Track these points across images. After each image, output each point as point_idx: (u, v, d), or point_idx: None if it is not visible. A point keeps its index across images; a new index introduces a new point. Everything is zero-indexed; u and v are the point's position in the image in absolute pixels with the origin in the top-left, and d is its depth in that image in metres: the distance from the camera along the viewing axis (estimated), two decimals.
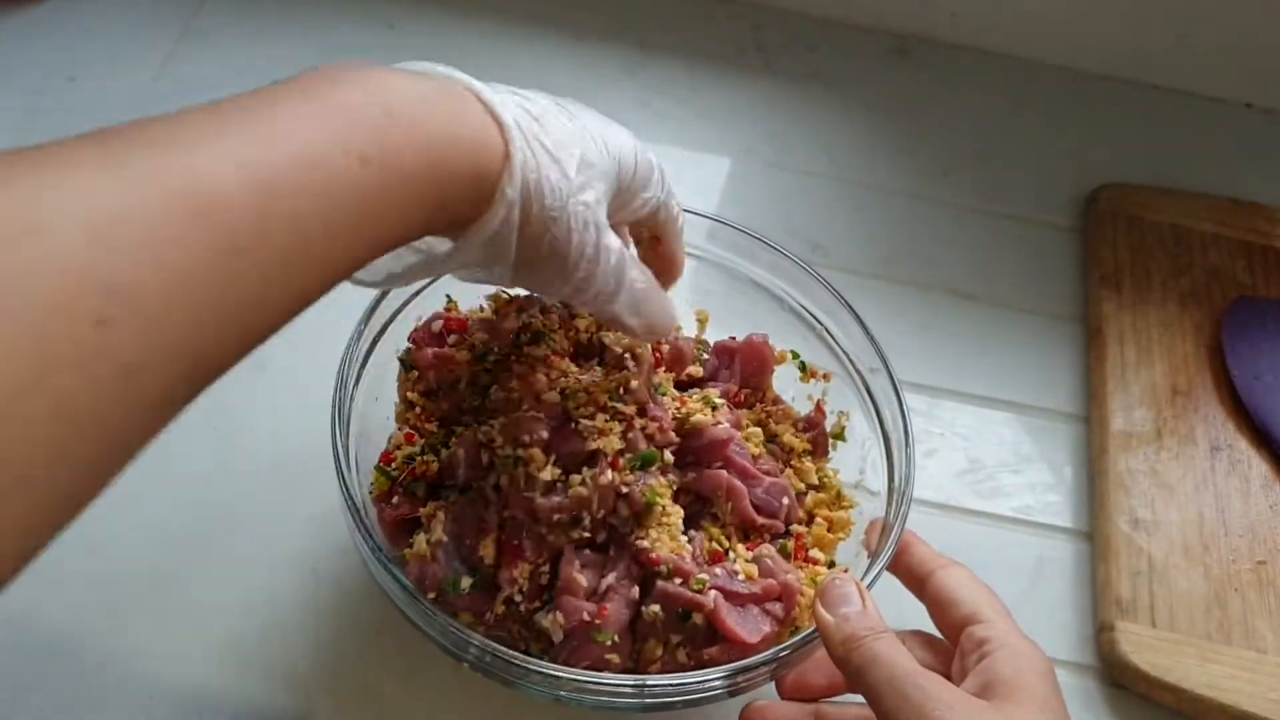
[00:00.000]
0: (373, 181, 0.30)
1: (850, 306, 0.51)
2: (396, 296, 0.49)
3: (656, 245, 0.46)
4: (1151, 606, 0.52)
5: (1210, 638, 0.52)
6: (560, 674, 0.40)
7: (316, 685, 0.48)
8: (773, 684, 0.44)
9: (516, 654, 0.40)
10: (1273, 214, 0.69)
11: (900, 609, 0.44)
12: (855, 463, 0.52)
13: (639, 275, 0.41)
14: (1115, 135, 0.75)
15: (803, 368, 0.53)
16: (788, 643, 0.41)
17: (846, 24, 0.78)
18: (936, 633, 0.43)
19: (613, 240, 0.38)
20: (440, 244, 0.37)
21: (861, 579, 0.43)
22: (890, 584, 0.45)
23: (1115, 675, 0.52)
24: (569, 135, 0.37)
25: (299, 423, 0.53)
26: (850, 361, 0.52)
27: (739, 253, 0.55)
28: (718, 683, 0.41)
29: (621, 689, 0.41)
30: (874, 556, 0.45)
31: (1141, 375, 0.61)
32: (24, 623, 0.48)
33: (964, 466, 0.59)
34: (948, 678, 0.39)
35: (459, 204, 0.34)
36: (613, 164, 0.38)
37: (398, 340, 0.50)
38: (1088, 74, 0.78)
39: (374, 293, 0.48)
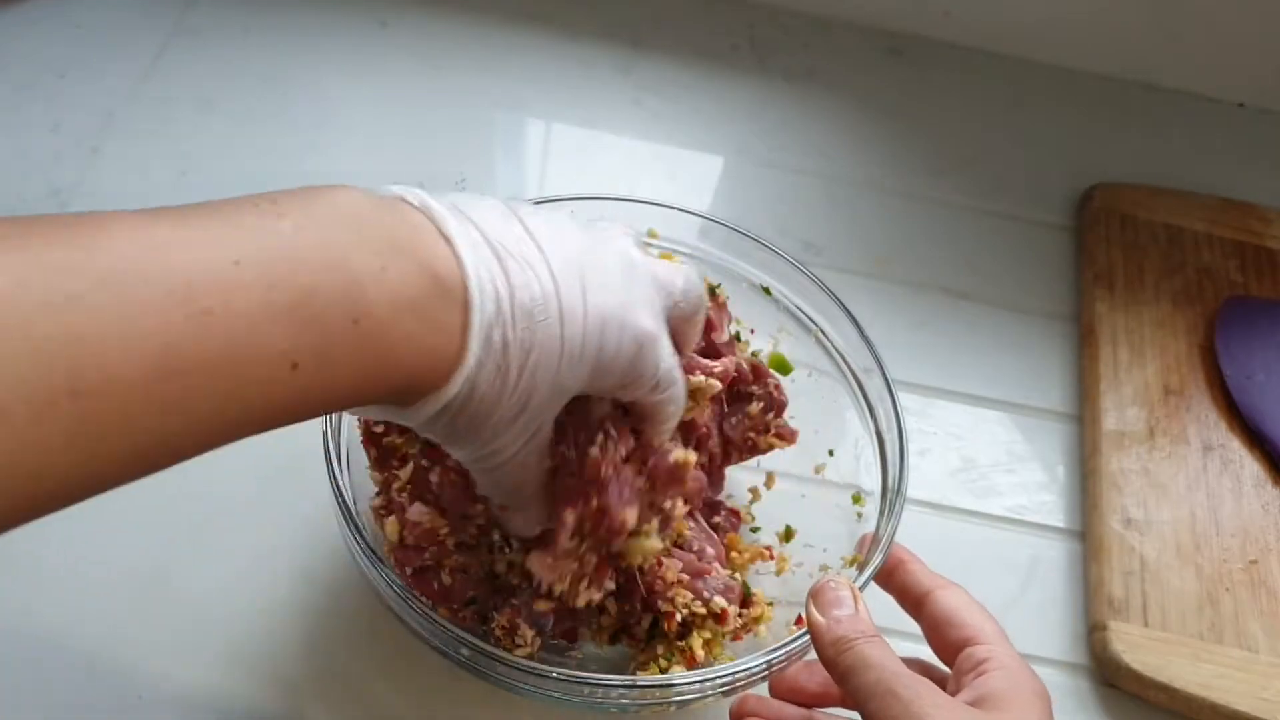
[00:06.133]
0: (298, 385, 0.29)
1: (845, 307, 0.51)
2: None
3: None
4: (1144, 606, 0.53)
5: (1202, 637, 0.52)
6: (551, 673, 0.40)
7: (307, 686, 0.48)
8: (765, 686, 0.44)
9: (508, 654, 0.40)
10: (1265, 214, 0.69)
11: (903, 616, 0.44)
12: (849, 462, 0.52)
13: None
14: (1109, 135, 0.75)
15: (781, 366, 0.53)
16: (780, 645, 0.41)
17: (841, 22, 0.78)
18: (934, 661, 0.43)
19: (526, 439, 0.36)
20: None
21: (856, 579, 0.43)
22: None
23: (1108, 675, 0.52)
24: (553, 348, 0.33)
25: None
26: (844, 361, 0.52)
27: (732, 252, 0.54)
28: (711, 683, 0.41)
29: (613, 688, 0.41)
30: (867, 557, 0.45)
31: (1134, 374, 0.61)
32: (13, 624, 0.48)
33: (957, 466, 0.59)
34: None
35: (388, 399, 0.32)
36: (585, 373, 0.35)
37: None
38: (1081, 73, 0.78)
39: None
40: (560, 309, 0.33)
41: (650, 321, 0.36)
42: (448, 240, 0.32)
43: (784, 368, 0.53)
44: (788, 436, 0.49)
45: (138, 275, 0.26)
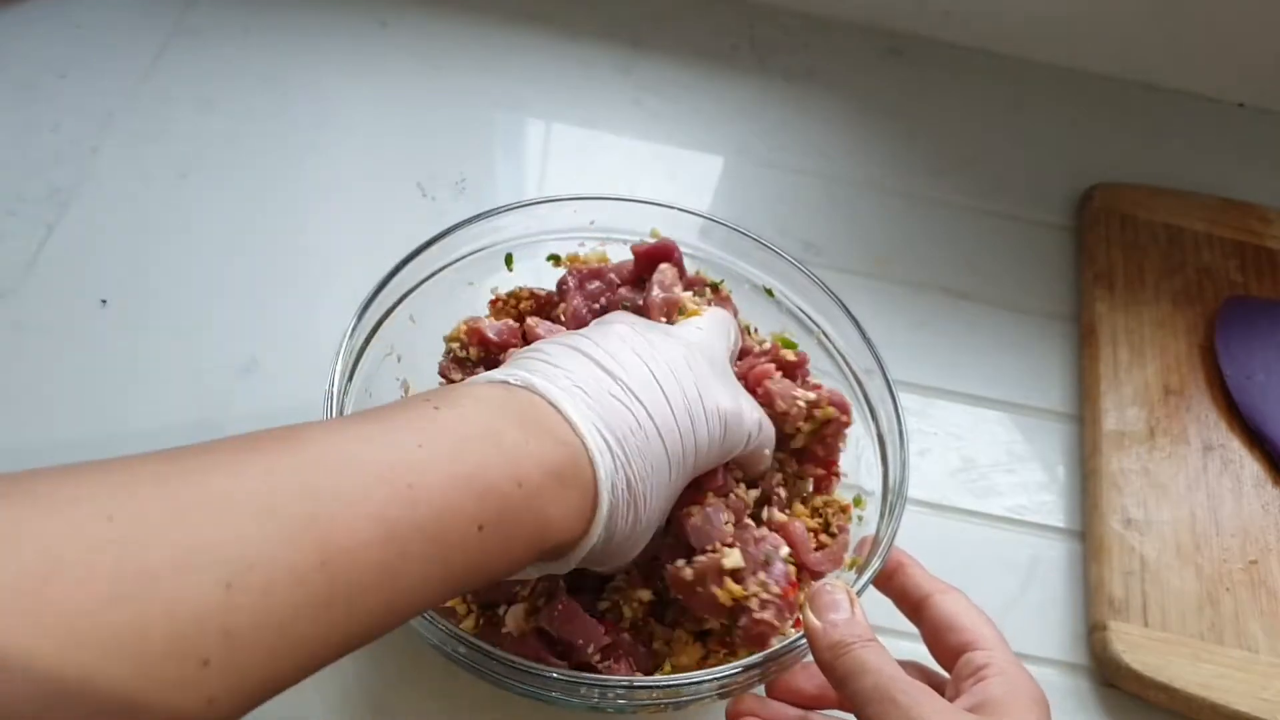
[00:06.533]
0: (483, 547, 0.33)
1: (846, 308, 0.51)
2: (391, 292, 0.49)
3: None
4: (1144, 606, 0.53)
5: (1202, 637, 0.52)
6: (549, 674, 0.40)
7: (307, 685, 0.48)
8: (762, 687, 0.44)
9: (506, 654, 0.40)
10: (1265, 214, 0.69)
11: (902, 616, 0.44)
12: (850, 463, 0.52)
13: None
14: (1109, 134, 0.75)
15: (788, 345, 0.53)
16: (776, 647, 0.41)
17: (840, 22, 0.78)
18: (932, 664, 0.43)
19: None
20: None
21: (854, 582, 0.43)
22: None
23: (1108, 675, 0.52)
24: (662, 467, 0.39)
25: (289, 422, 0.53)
26: (845, 362, 0.52)
27: (733, 252, 0.54)
28: (707, 685, 0.41)
29: (611, 688, 0.41)
30: (866, 560, 0.45)
31: (1134, 374, 0.61)
32: None
33: (957, 466, 0.59)
34: None
35: (545, 556, 0.37)
36: (690, 467, 0.40)
37: (392, 335, 0.49)
38: (1081, 73, 0.78)
39: (369, 287, 0.48)
40: (657, 428, 0.38)
41: (727, 399, 0.41)
42: (556, 408, 0.37)
43: (787, 345, 0.53)
44: (840, 403, 0.48)
45: (347, 465, 0.30)
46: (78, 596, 0.24)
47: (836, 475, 0.50)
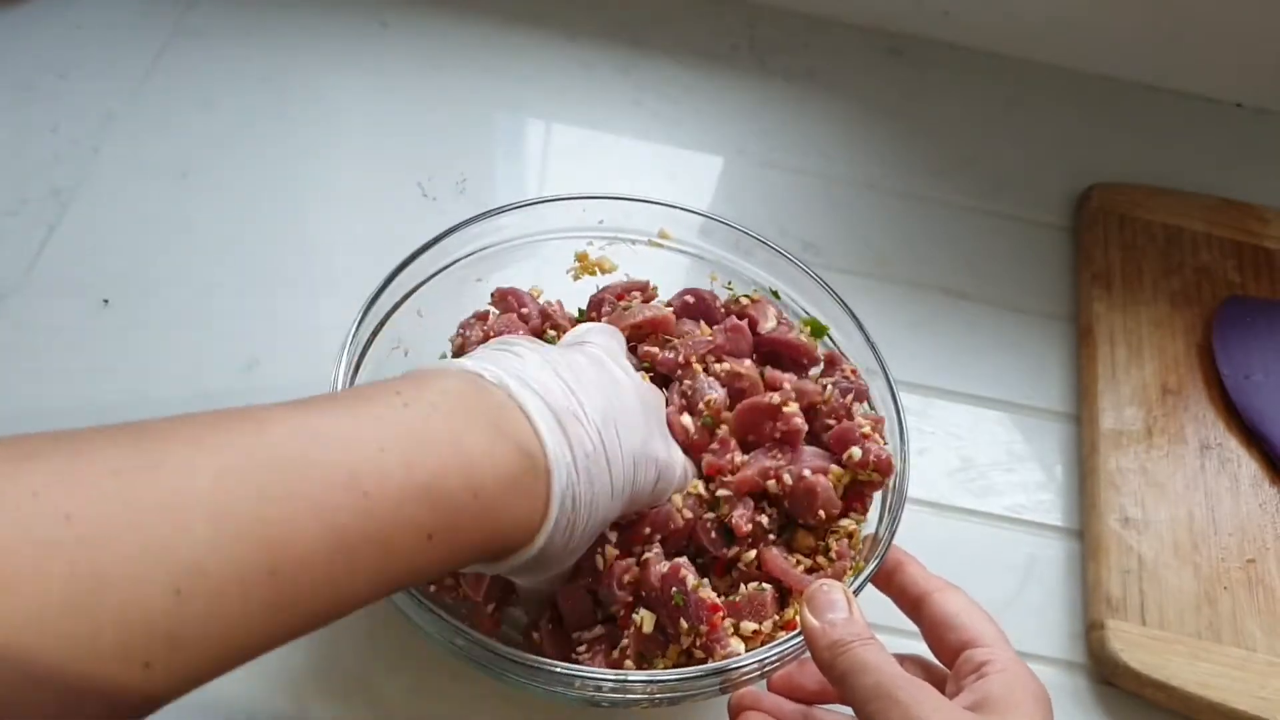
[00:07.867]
0: (431, 553, 0.33)
1: (850, 310, 0.51)
2: (396, 289, 0.49)
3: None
4: (1142, 605, 0.53)
5: (1200, 636, 0.52)
6: (551, 668, 0.40)
7: (310, 683, 0.48)
8: (764, 682, 0.44)
9: (506, 648, 0.41)
10: (1263, 214, 0.69)
11: (902, 615, 0.44)
12: None
13: None
14: (1107, 135, 0.75)
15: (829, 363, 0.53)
16: (775, 645, 0.41)
17: (840, 22, 0.78)
18: (932, 659, 0.43)
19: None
20: None
21: (852, 582, 0.43)
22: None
23: (1105, 673, 0.52)
24: (604, 493, 0.40)
25: None
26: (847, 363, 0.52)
27: (734, 251, 0.55)
28: (704, 680, 0.41)
29: (611, 684, 0.41)
30: (867, 556, 0.45)
31: (1132, 374, 0.61)
32: None
33: (956, 465, 0.59)
34: None
35: (486, 558, 0.37)
36: (628, 493, 0.41)
37: (398, 331, 0.50)
38: (1080, 73, 0.78)
39: (369, 286, 0.48)
40: (606, 458, 0.39)
41: (663, 449, 0.44)
42: (527, 417, 0.37)
43: (819, 330, 0.53)
44: (885, 467, 0.47)
45: (304, 465, 0.30)
46: (30, 604, 0.24)
47: (863, 516, 0.49)
